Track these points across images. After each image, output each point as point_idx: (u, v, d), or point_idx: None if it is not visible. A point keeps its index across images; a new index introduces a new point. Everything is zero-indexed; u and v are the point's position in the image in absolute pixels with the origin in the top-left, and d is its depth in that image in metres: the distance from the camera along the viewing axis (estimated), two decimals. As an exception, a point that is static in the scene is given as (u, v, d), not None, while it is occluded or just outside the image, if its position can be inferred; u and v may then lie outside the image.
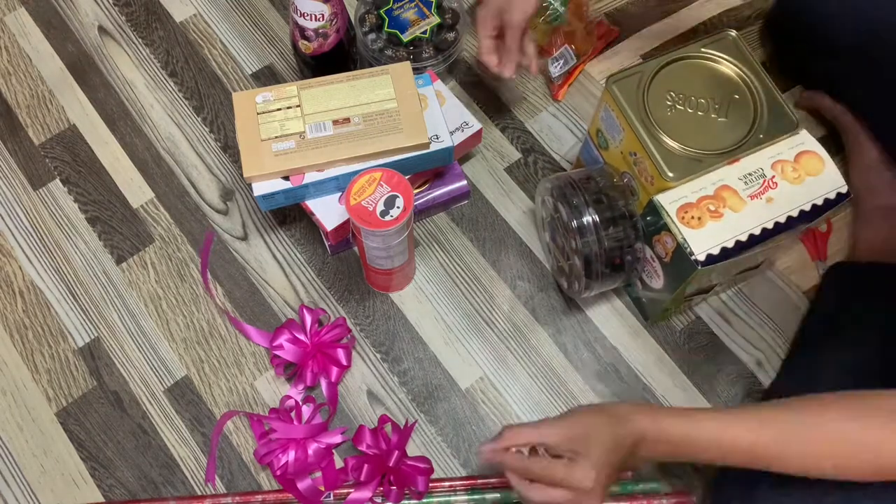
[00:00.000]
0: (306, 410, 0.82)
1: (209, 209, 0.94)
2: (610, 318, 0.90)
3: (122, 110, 1.00)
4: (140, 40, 1.04)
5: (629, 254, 0.79)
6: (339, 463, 0.82)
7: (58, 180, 0.96)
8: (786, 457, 0.61)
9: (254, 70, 1.02)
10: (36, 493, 0.82)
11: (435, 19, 0.95)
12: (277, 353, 0.83)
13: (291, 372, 0.85)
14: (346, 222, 0.84)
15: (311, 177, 0.81)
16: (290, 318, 0.88)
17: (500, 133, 0.99)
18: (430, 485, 0.80)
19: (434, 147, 0.82)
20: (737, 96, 0.77)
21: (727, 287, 0.89)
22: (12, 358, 0.87)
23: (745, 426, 0.62)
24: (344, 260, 0.92)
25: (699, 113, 0.76)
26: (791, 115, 0.76)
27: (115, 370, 0.87)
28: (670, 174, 0.73)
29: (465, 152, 0.94)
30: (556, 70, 0.99)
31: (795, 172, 0.74)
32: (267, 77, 1.02)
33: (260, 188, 0.81)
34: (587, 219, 0.77)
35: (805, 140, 0.76)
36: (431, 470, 0.80)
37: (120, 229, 0.93)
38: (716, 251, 0.72)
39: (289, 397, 0.83)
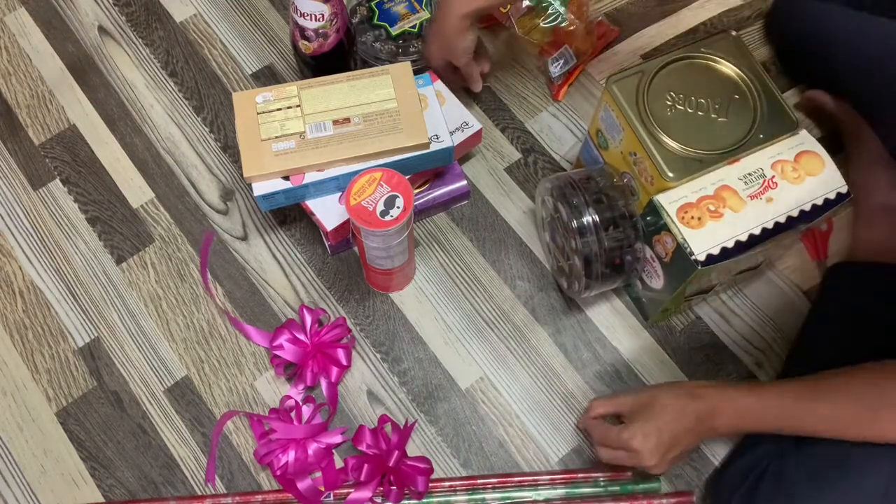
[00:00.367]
0: (306, 410, 0.82)
1: (209, 209, 0.94)
2: (610, 318, 0.90)
3: (122, 110, 1.00)
4: (140, 40, 1.04)
5: (629, 254, 0.79)
6: (339, 463, 0.82)
7: (58, 180, 0.96)
8: (861, 426, 0.66)
9: (254, 70, 1.02)
10: (36, 493, 0.82)
11: (425, 14, 0.95)
12: (277, 353, 0.83)
13: (291, 372, 0.85)
14: (346, 222, 0.84)
15: (311, 177, 0.81)
16: (290, 318, 0.88)
17: (500, 133, 0.99)
18: (430, 485, 0.80)
19: (434, 147, 0.82)
20: (737, 96, 0.77)
21: (727, 287, 0.89)
22: (12, 358, 0.87)
23: (820, 401, 0.68)
24: (344, 260, 0.92)
25: (699, 113, 0.76)
26: (791, 115, 0.76)
27: (115, 370, 0.87)
28: (670, 174, 0.73)
29: (465, 152, 0.94)
30: (556, 70, 0.99)
31: (795, 172, 0.74)
32: (267, 77, 1.02)
33: (260, 188, 0.81)
34: (587, 219, 0.77)
35: (805, 140, 0.76)
36: (431, 470, 0.80)
37: (120, 229, 0.93)
38: (716, 251, 0.72)
39: (289, 397, 0.83)
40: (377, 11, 0.96)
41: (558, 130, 0.99)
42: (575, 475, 0.82)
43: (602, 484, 0.81)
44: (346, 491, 0.79)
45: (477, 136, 0.90)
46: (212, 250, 0.92)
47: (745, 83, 0.77)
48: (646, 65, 0.78)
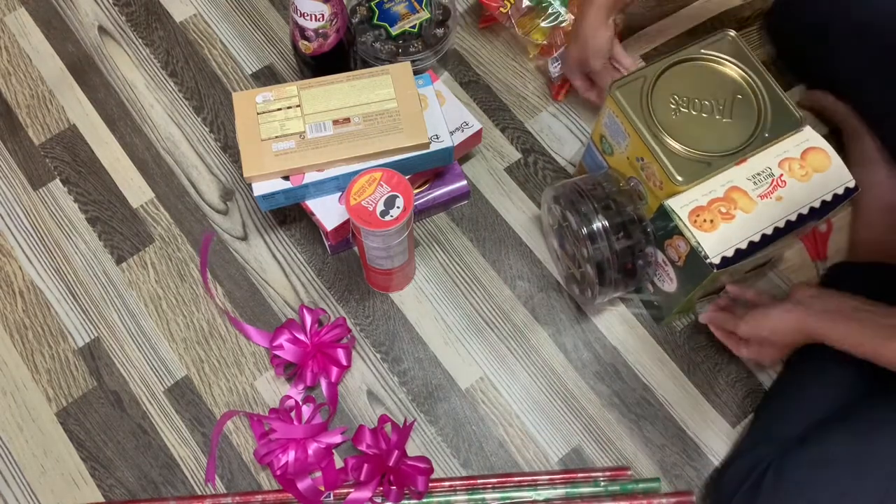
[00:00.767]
0: (306, 410, 0.82)
1: (209, 209, 0.94)
2: (610, 318, 0.90)
3: (122, 110, 1.00)
4: (140, 40, 1.04)
5: (641, 259, 0.79)
6: (339, 463, 0.82)
7: (58, 180, 0.96)
8: None
9: (254, 70, 1.02)
10: (36, 493, 0.82)
11: (425, 14, 0.95)
12: (277, 353, 0.83)
13: (291, 372, 0.85)
14: (346, 222, 0.84)
15: (311, 177, 0.81)
16: (290, 318, 0.88)
17: (500, 133, 0.99)
18: (430, 485, 0.80)
19: (434, 147, 0.82)
20: (740, 96, 0.77)
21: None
22: (12, 358, 0.87)
23: None
24: (344, 260, 0.92)
25: (703, 115, 0.76)
26: (795, 113, 0.76)
27: (115, 370, 0.87)
28: (679, 178, 0.73)
29: (465, 152, 0.94)
30: (556, 70, 0.99)
31: (803, 170, 0.74)
32: (267, 77, 1.02)
33: (260, 188, 0.81)
34: (597, 225, 0.77)
35: (810, 136, 0.76)
36: (431, 470, 0.80)
37: (120, 229, 0.93)
38: (730, 253, 0.72)
39: (289, 397, 0.83)
40: (377, 11, 0.96)
41: (558, 130, 0.99)
42: (575, 475, 0.82)
43: (602, 484, 0.81)
44: (346, 491, 0.79)
45: (477, 136, 0.90)
46: (212, 250, 0.92)
47: (746, 82, 0.77)
48: (647, 69, 0.78)
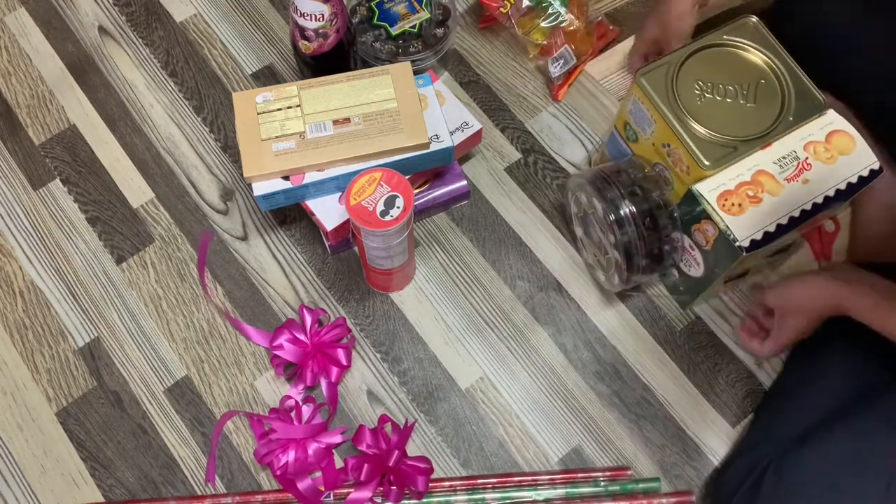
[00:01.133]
0: (306, 410, 0.82)
1: (209, 209, 0.94)
2: (610, 318, 0.90)
3: (122, 110, 1.00)
4: (140, 40, 1.04)
5: (667, 244, 0.79)
6: (339, 463, 0.82)
7: (58, 180, 0.96)
8: None
9: (254, 70, 1.02)
10: (36, 493, 0.82)
11: (425, 14, 0.95)
12: (277, 353, 0.83)
13: (291, 372, 0.85)
14: (346, 222, 0.84)
15: (311, 177, 0.81)
16: (290, 318, 0.88)
17: (500, 133, 0.99)
18: (430, 485, 0.80)
19: (434, 147, 0.82)
20: (763, 81, 0.77)
21: (758, 270, 0.90)
22: (12, 358, 0.87)
23: None
24: (344, 260, 0.92)
25: (728, 100, 0.77)
26: (818, 96, 0.77)
27: (115, 370, 0.87)
28: (706, 162, 0.74)
29: (465, 152, 0.94)
30: (556, 70, 0.99)
31: (828, 152, 0.75)
32: (267, 77, 1.02)
33: (260, 188, 0.81)
34: (624, 211, 0.78)
35: (834, 119, 0.77)
36: (431, 470, 0.80)
37: (120, 229, 0.93)
38: (759, 236, 0.72)
39: (289, 397, 0.83)
40: (377, 11, 0.96)
41: (558, 130, 0.99)
42: (575, 475, 0.82)
43: (602, 484, 0.81)
44: (346, 491, 0.79)
45: (477, 136, 0.90)
46: (212, 250, 0.92)
47: (770, 67, 0.78)
48: (671, 56, 0.78)
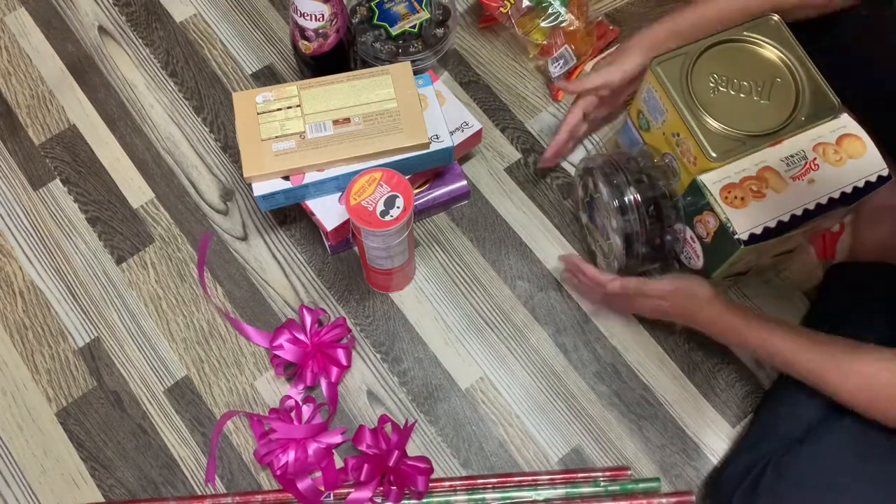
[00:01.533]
0: (306, 410, 0.82)
1: (209, 209, 0.94)
2: (610, 318, 0.90)
3: (122, 110, 1.00)
4: (140, 40, 1.04)
5: (669, 234, 0.80)
6: (339, 463, 0.82)
7: (58, 180, 0.96)
8: (822, 382, 0.71)
9: (254, 70, 1.02)
10: (36, 493, 0.82)
11: (425, 14, 0.95)
12: (277, 353, 0.83)
13: (291, 372, 0.85)
14: (346, 222, 0.84)
15: (311, 177, 0.81)
16: (290, 318, 0.88)
17: (500, 133, 0.99)
18: (430, 485, 0.80)
19: (434, 147, 0.82)
20: (779, 79, 0.78)
21: (759, 272, 0.90)
22: (12, 358, 0.87)
23: (791, 343, 0.71)
24: (344, 260, 0.92)
25: (741, 95, 0.77)
26: (832, 99, 0.77)
27: (115, 370, 0.87)
28: (713, 154, 0.74)
29: (465, 152, 0.94)
30: (556, 70, 0.99)
31: (837, 155, 0.75)
32: (267, 77, 1.02)
33: (260, 188, 0.81)
34: (628, 198, 0.78)
35: (847, 123, 0.77)
36: (431, 470, 0.80)
37: (120, 229, 0.93)
38: (758, 230, 0.73)
39: (289, 397, 0.83)
40: (377, 11, 0.96)
41: (558, 130, 0.99)
42: (575, 475, 0.82)
43: (602, 484, 0.81)
44: (346, 491, 0.79)
45: (477, 136, 0.90)
46: (212, 250, 0.92)
47: (787, 66, 0.78)
48: (690, 47, 0.78)
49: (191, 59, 1.03)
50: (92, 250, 0.92)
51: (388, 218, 0.73)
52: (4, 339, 0.88)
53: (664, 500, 0.80)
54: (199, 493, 0.82)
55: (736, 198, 0.73)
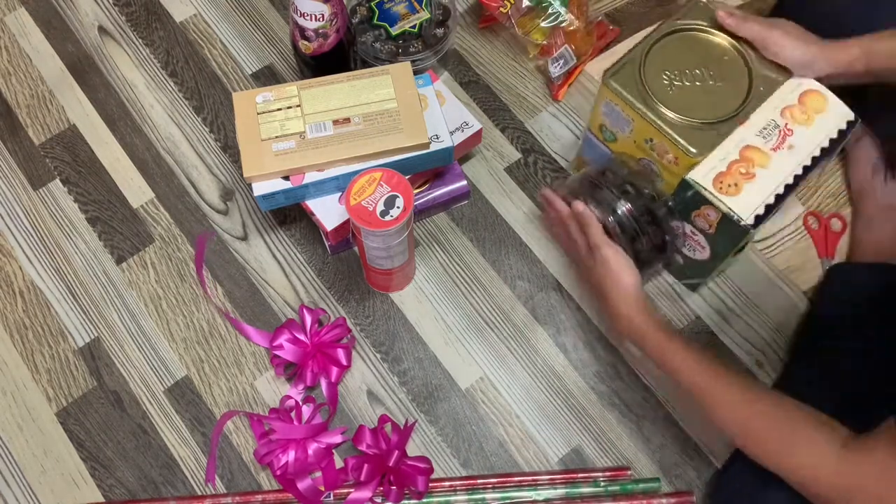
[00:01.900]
0: (306, 410, 0.82)
1: (209, 209, 0.94)
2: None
3: (122, 110, 1.00)
4: (140, 40, 1.04)
5: (668, 233, 0.80)
6: (339, 463, 0.82)
7: (58, 180, 0.96)
8: (710, 409, 0.69)
9: (254, 70, 1.02)
10: (36, 493, 0.82)
11: (425, 14, 0.95)
12: (277, 353, 0.83)
13: (291, 372, 0.85)
14: (346, 222, 0.84)
15: (311, 177, 0.81)
16: (290, 318, 0.88)
17: (500, 133, 0.99)
18: (430, 485, 0.80)
19: (434, 147, 0.82)
20: (726, 58, 0.78)
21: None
22: (12, 358, 0.87)
23: (697, 372, 0.70)
24: (344, 260, 0.92)
25: (697, 84, 0.77)
26: (779, 63, 0.77)
27: (115, 370, 0.87)
28: (694, 150, 0.74)
29: (465, 152, 0.94)
30: (556, 70, 0.99)
31: (804, 115, 0.76)
32: (267, 77, 1.02)
33: (260, 188, 0.81)
34: (622, 211, 0.78)
35: (802, 81, 0.77)
36: (431, 470, 0.80)
37: (120, 229, 0.93)
38: (761, 210, 0.73)
39: (289, 397, 0.83)
40: (377, 11, 0.96)
41: (558, 130, 0.99)
42: (575, 475, 0.82)
43: (602, 484, 0.81)
44: (346, 491, 0.79)
45: (477, 136, 0.90)
46: (212, 250, 0.92)
47: (729, 43, 0.79)
48: (632, 53, 0.79)
49: (191, 59, 1.03)
50: (92, 250, 0.92)
51: (388, 218, 0.73)
52: (4, 339, 0.88)
53: (664, 500, 0.80)
54: (199, 493, 0.82)
55: (730, 185, 0.74)
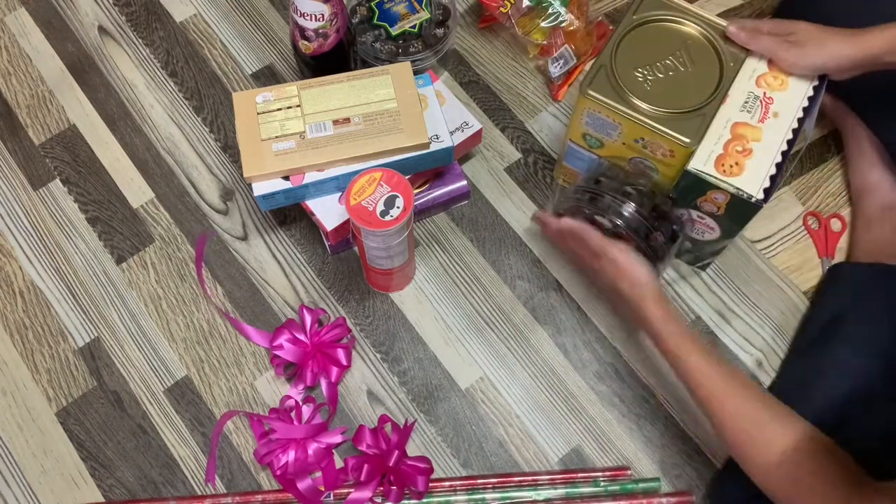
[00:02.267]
0: (306, 410, 0.82)
1: (209, 209, 0.94)
2: (610, 318, 0.90)
3: (122, 110, 1.00)
4: (140, 40, 1.04)
5: (676, 222, 0.80)
6: (339, 463, 0.82)
7: (58, 180, 0.96)
8: (718, 423, 0.69)
9: (254, 70, 1.02)
10: (36, 493, 0.82)
11: (425, 14, 0.95)
12: (277, 353, 0.83)
13: (291, 372, 0.85)
14: (346, 222, 0.84)
15: (311, 177, 0.81)
16: (290, 318, 0.88)
17: (500, 133, 0.99)
18: (430, 485, 0.80)
19: (434, 147, 0.82)
20: (689, 41, 0.79)
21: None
22: (12, 358, 0.87)
23: (707, 374, 0.70)
24: (344, 260, 0.92)
25: (671, 73, 0.78)
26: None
27: (115, 370, 0.87)
28: (687, 140, 0.75)
29: (465, 152, 0.94)
30: (556, 70, 0.99)
31: (777, 79, 0.77)
32: (267, 77, 1.02)
33: (260, 188, 0.81)
34: (628, 213, 0.78)
35: None
36: (431, 470, 0.80)
37: (120, 229, 0.93)
38: (767, 183, 0.74)
39: (289, 397, 0.83)
40: (377, 11, 0.96)
41: (558, 130, 0.99)
42: (575, 475, 0.82)
43: (602, 484, 0.81)
44: (346, 491, 0.79)
45: (477, 136, 0.90)
46: (212, 250, 0.92)
47: (689, 28, 0.80)
48: (599, 58, 0.79)
49: (191, 59, 1.03)
50: (92, 250, 0.92)
51: (388, 218, 0.73)
52: (4, 339, 0.88)
53: (664, 500, 0.80)
54: (199, 493, 0.82)
55: (731, 166, 0.74)
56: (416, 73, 0.86)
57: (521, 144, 0.98)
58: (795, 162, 0.97)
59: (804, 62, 0.76)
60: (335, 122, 0.81)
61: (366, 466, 0.79)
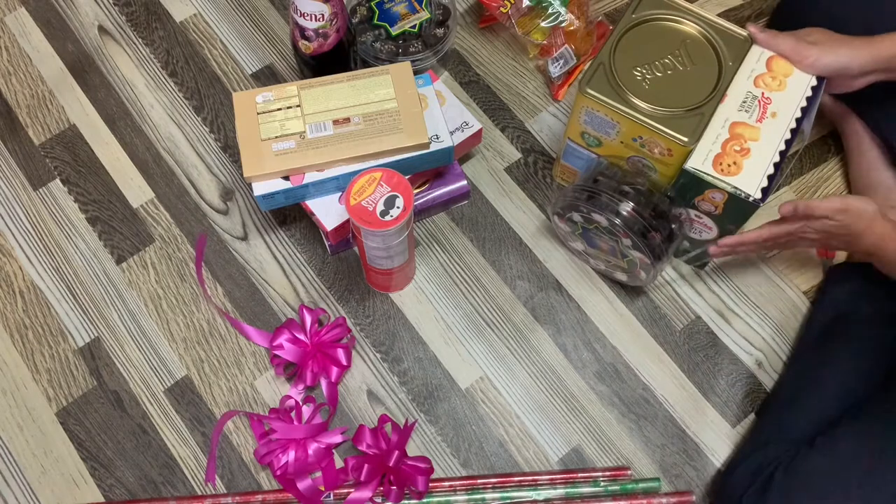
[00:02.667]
0: (306, 410, 0.82)
1: (209, 209, 0.94)
2: (610, 318, 0.90)
3: (122, 110, 1.00)
4: (140, 40, 1.04)
5: (674, 221, 0.80)
6: (339, 463, 0.82)
7: (58, 180, 0.96)
8: None
9: (254, 70, 1.02)
10: (36, 493, 0.82)
11: (425, 14, 0.95)
12: (277, 353, 0.83)
13: (291, 372, 0.85)
14: (346, 222, 0.84)
15: (311, 177, 0.81)
16: (290, 318, 0.88)
17: (500, 133, 0.99)
18: (431, 485, 0.80)
19: (434, 147, 0.82)
20: (688, 41, 0.79)
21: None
22: (12, 358, 0.87)
23: None
24: (344, 260, 0.92)
25: (669, 72, 0.78)
26: (739, 33, 0.79)
27: (115, 370, 0.87)
28: (685, 139, 0.74)
29: (465, 152, 0.94)
30: (556, 70, 0.99)
31: (775, 80, 0.77)
32: (267, 77, 1.02)
33: (260, 188, 0.81)
34: (626, 212, 0.78)
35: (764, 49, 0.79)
36: (431, 470, 0.80)
37: (120, 229, 0.93)
38: (765, 183, 0.74)
39: (289, 397, 0.83)
40: (377, 11, 0.96)
41: (558, 130, 0.99)
42: (575, 475, 0.82)
43: (602, 484, 0.81)
44: (346, 491, 0.79)
45: (477, 136, 0.90)
46: (212, 250, 0.92)
47: (687, 26, 0.79)
48: (598, 56, 0.79)
49: (191, 59, 1.03)
50: (92, 250, 0.92)
51: (388, 218, 0.73)
52: (4, 339, 0.88)
53: (664, 500, 0.80)
54: (199, 493, 0.82)
55: (729, 165, 0.74)
56: (416, 73, 0.86)
57: (521, 144, 0.98)
58: (794, 162, 0.97)
59: (825, 59, 0.76)
60: (335, 122, 0.81)
61: (366, 466, 0.79)
